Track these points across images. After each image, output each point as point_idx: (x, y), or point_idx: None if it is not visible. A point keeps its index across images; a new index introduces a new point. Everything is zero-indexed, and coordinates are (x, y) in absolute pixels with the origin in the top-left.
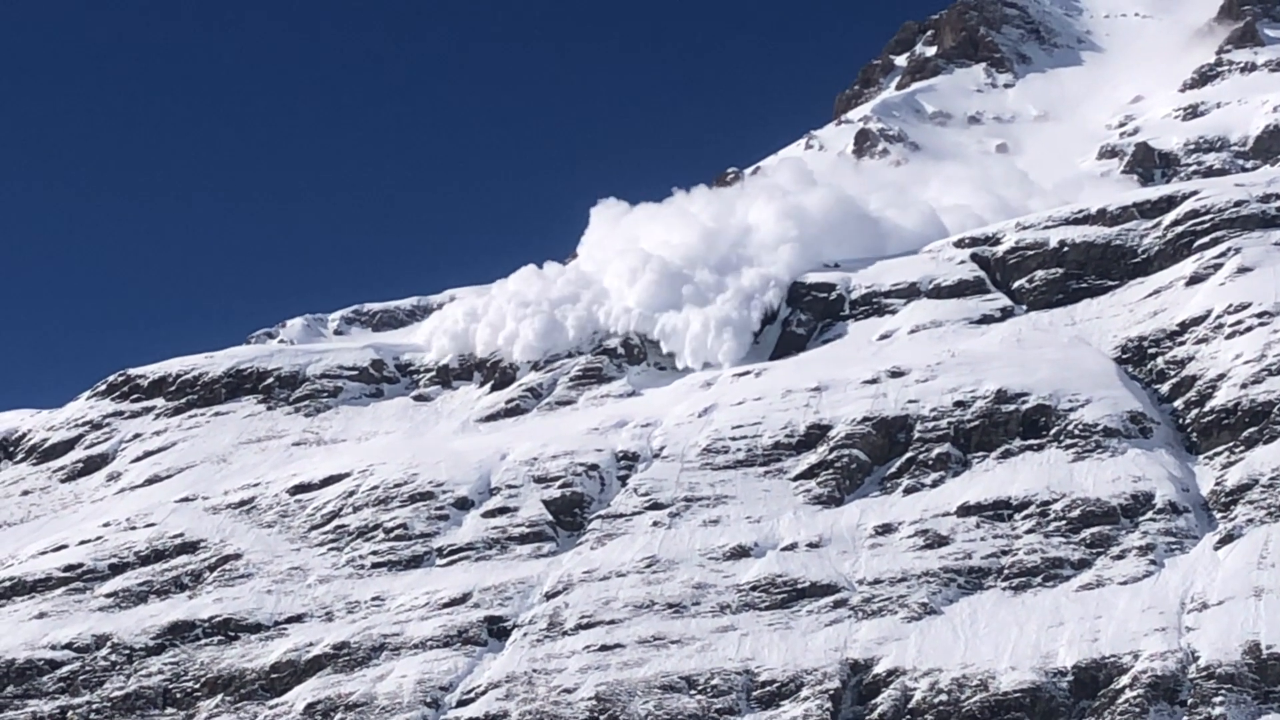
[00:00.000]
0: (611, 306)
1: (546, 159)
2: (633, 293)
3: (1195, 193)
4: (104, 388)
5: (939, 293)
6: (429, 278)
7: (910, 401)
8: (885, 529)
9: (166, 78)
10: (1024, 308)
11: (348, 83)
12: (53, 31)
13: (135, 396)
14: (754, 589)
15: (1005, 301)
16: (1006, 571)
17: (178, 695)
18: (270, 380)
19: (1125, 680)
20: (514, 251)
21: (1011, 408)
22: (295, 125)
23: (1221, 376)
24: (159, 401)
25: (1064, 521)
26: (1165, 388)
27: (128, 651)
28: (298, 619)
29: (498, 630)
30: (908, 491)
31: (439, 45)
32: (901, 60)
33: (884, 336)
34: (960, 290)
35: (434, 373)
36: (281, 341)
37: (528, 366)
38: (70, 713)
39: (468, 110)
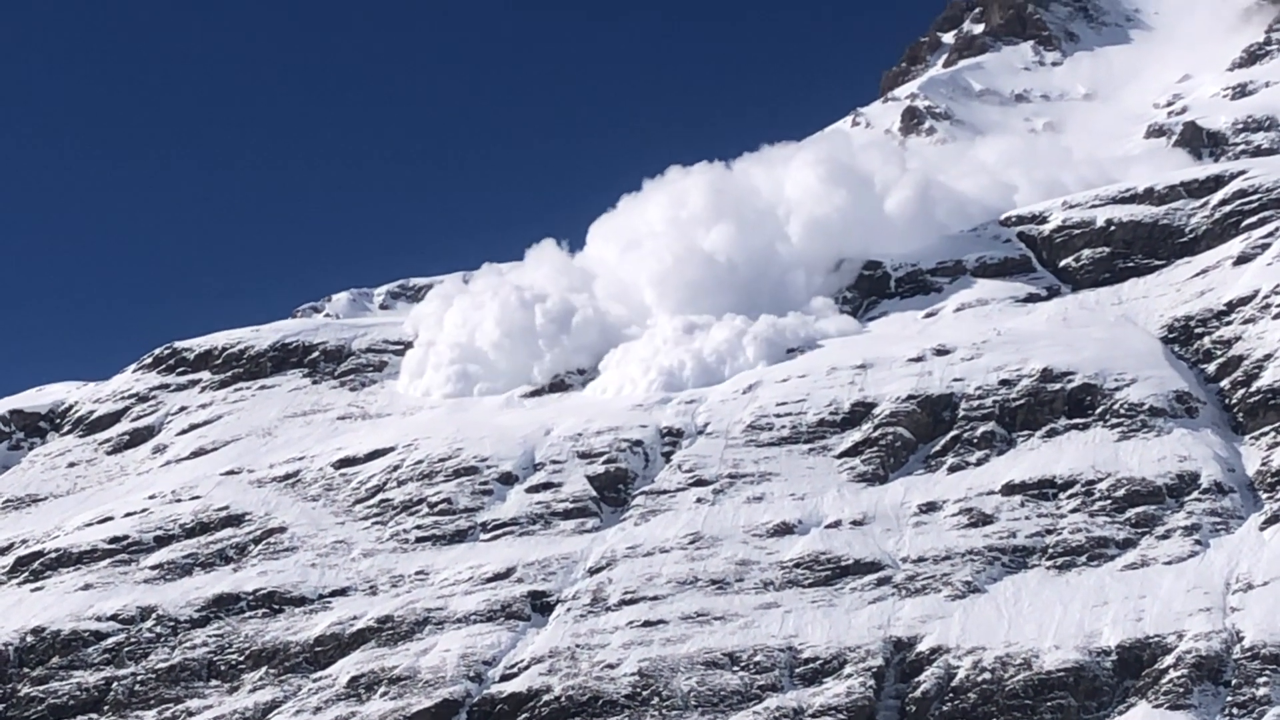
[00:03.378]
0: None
1: (589, 133)
2: (663, 324)
3: (1243, 172)
4: (150, 360)
5: (985, 271)
6: (473, 251)
7: (955, 380)
8: (929, 507)
9: (208, 56)
10: (1070, 287)
11: (392, 53)
12: (100, 8)
13: (181, 369)
14: (797, 566)
15: (1051, 280)
16: (1051, 550)
17: (222, 667)
18: (315, 354)
19: (1169, 660)
20: (556, 226)
21: (1057, 386)
22: (339, 97)
23: (1268, 357)
24: (205, 374)
25: (1109, 501)
26: (1211, 367)
27: (173, 624)
28: (342, 592)
29: (541, 605)
30: (952, 470)
31: (480, 19)
32: (949, 38)
33: (929, 315)
34: (1006, 269)
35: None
36: (327, 315)
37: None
38: (115, 684)
39: (510, 87)
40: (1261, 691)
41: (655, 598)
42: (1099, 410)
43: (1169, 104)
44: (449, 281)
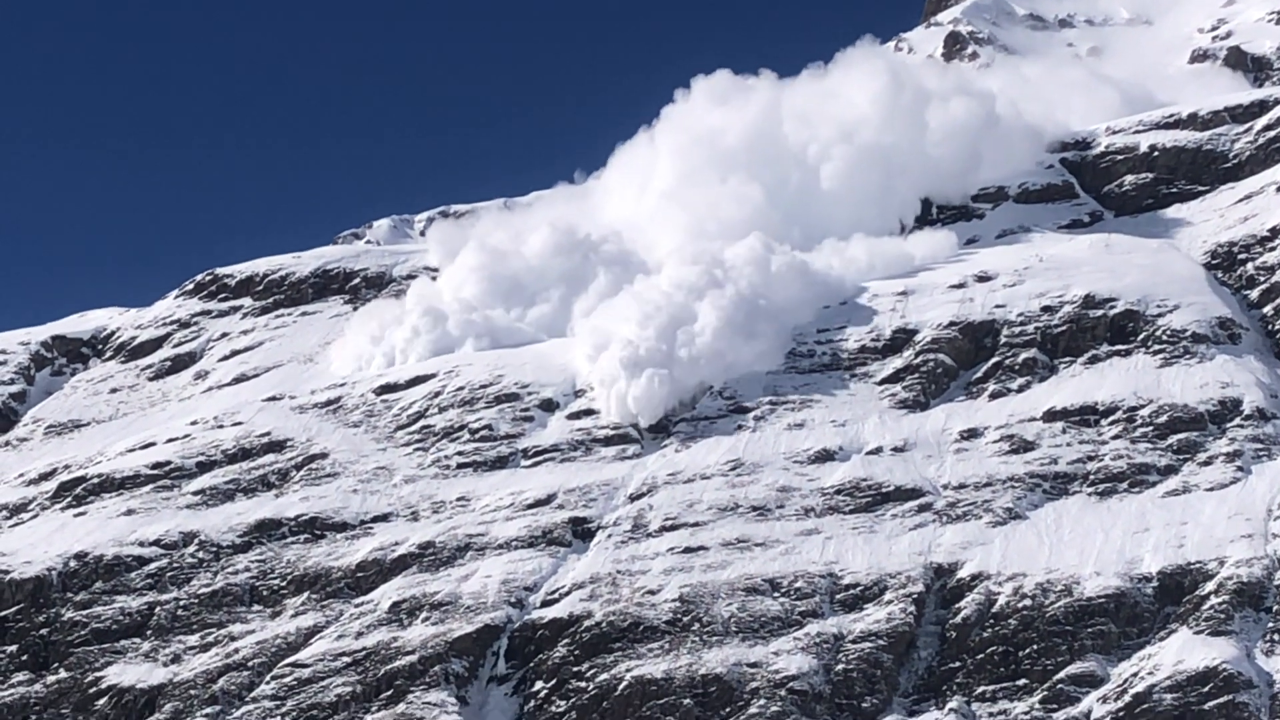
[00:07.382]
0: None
1: (621, 52)
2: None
3: None
4: (192, 287)
5: (1027, 197)
6: (516, 178)
7: (997, 306)
8: (970, 434)
9: None
10: (1113, 212)
11: None
12: None
13: (223, 295)
14: (838, 492)
15: (1094, 206)
16: (1092, 477)
17: (264, 593)
18: (357, 280)
19: (1210, 586)
20: (598, 147)
21: (1099, 313)
22: (382, 24)
23: None
24: (246, 301)
25: (1151, 427)
26: (1255, 294)
27: (215, 549)
28: (383, 518)
29: (582, 531)
30: (993, 396)
31: None
32: None
33: (971, 241)
34: (1049, 195)
35: None
36: (368, 242)
37: None
38: (158, 609)
39: (548, 8)
40: None
41: (696, 524)
42: (1141, 336)
43: (1213, 29)
44: (487, 210)
